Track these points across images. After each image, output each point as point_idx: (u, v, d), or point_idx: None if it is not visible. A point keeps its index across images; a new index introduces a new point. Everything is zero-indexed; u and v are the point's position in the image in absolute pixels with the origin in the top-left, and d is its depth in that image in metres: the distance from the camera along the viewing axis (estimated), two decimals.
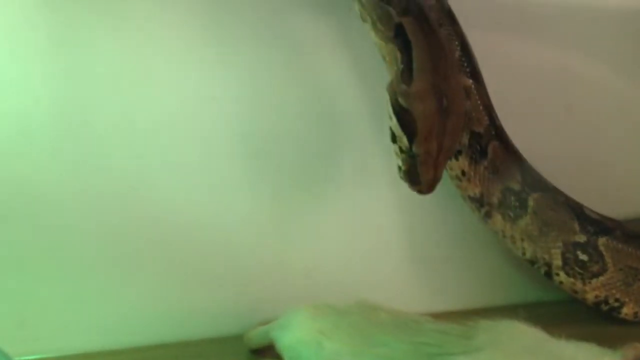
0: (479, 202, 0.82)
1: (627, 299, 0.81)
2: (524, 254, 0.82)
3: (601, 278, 0.80)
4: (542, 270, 0.81)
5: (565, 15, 0.88)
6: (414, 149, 0.68)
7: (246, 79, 0.80)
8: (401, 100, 0.69)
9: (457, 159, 0.82)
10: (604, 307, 0.81)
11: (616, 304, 0.81)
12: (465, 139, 0.81)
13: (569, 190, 0.83)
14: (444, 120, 0.68)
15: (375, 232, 0.79)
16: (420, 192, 0.69)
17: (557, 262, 0.80)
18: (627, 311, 0.81)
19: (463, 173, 0.82)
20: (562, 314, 0.79)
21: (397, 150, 0.70)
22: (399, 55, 0.71)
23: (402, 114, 0.69)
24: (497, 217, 0.82)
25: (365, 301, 0.68)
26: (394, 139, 0.70)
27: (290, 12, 0.80)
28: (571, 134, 0.91)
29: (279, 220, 0.83)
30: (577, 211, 0.80)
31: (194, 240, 0.82)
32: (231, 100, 0.80)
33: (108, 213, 0.78)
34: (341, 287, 0.73)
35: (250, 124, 0.81)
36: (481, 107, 0.80)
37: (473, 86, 0.80)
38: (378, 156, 0.83)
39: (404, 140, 0.68)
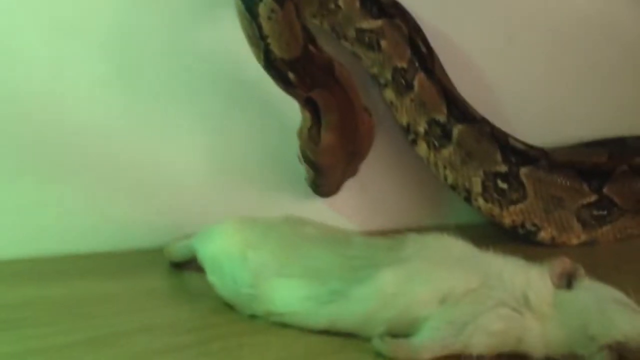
0: (407, 130, 0.84)
1: (545, 224, 0.84)
2: (445, 179, 0.84)
3: (520, 205, 0.83)
4: (462, 196, 0.84)
5: None
6: (317, 182, 0.77)
7: None
8: (310, 155, 0.73)
9: (384, 90, 0.83)
10: (521, 231, 0.84)
11: (533, 229, 0.84)
12: (388, 75, 0.82)
13: (506, 119, 0.87)
14: (349, 164, 0.77)
15: None
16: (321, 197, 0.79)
17: (477, 189, 0.83)
18: (544, 235, 0.84)
19: (392, 103, 0.83)
20: (490, 235, 0.81)
21: (304, 166, 0.76)
22: (308, 115, 0.73)
23: (311, 165, 0.75)
24: (423, 145, 0.84)
25: (292, 216, 0.67)
26: (301, 162, 0.76)
27: None
28: (512, 64, 0.93)
29: (206, 136, 0.82)
30: (502, 142, 0.82)
31: (117, 152, 0.80)
32: None
33: (26, 123, 0.76)
34: (271, 206, 0.72)
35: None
36: (402, 41, 0.81)
37: (387, 25, 0.81)
38: None
39: (311, 174, 0.76)
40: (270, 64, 0.72)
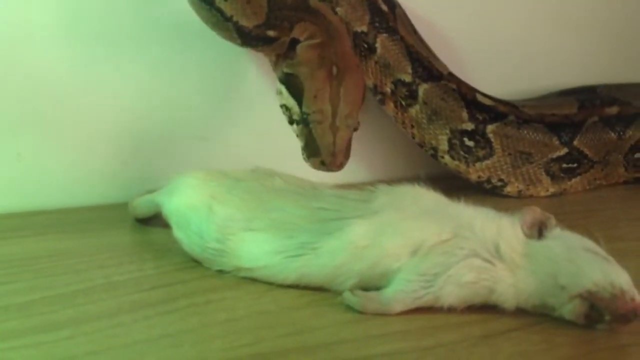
0: (374, 92, 0.83)
1: (512, 179, 0.84)
2: (413, 137, 0.84)
3: (486, 162, 0.82)
4: (429, 153, 0.84)
5: None
6: (304, 109, 0.67)
7: None
8: (286, 69, 0.70)
9: None
10: (487, 186, 0.84)
11: (499, 183, 0.84)
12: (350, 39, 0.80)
13: (476, 70, 0.86)
14: (337, 87, 0.68)
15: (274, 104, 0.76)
16: (323, 164, 0.66)
17: (443, 147, 0.83)
18: (510, 189, 0.84)
19: (357, 65, 0.81)
20: (461, 187, 0.79)
21: (295, 128, 0.69)
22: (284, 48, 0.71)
23: (288, 79, 0.69)
24: (390, 105, 0.83)
25: (260, 168, 0.65)
26: (290, 119, 0.69)
27: None
28: (482, 13, 0.92)
29: (170, 87, 0.80)
30: (469, 99, 0.82)
31: (79, 105, 0.77)
32: None
33: None
34: (237, 158, 0.70)
35: None
36: (359, 5, 0.79)
37: None
38: None
39: (296, 108, 0.68)
40: (247, 37, 0.71)
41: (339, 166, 0.66)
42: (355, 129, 0.69)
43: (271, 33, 0.70)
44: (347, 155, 0.67)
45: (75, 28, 0.76)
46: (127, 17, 0.77)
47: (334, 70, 0.68)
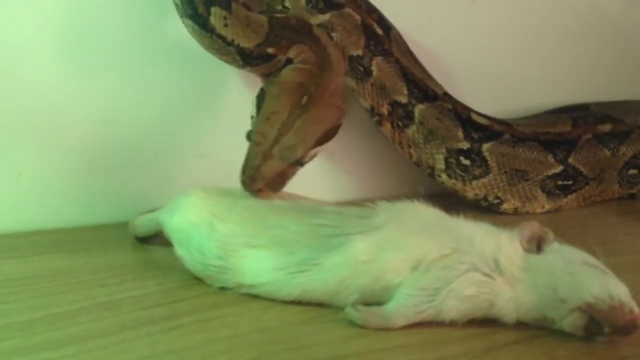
0: (371, 113, 0.84)
1: (508, 197, 0.85)
2: (410, 157, 0.85)
3: (482, 180, 0.83)
4: (426, 172, 0.85)
5: None
6: (252, 126, 0.67)
7: None
8: (264, 84, 0.70)
9: (345, 78, 0.82)
10: (483, 203, 0.85)
11: (496, 201, 0.85)
12: (346, 64, 0.81)
13: (469, 89, 0.88)
14: (296, 117, 0.66)
15: None
16: (244, 184, 0.64)
17: (440, 166, 0.84)
18: (507, 207, 0.85)
19: (353, 89, 0.83)
20: (458, 203, 0.80)
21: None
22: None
23: (260, 94, 0.69)
24: (387, 126, 0.84)
25: None
26: (248, 133, 0.67)
27: None
28: (475, 31, 0.94)
29: (168, 105, 0.80)
30: (464, 118, 0.83)
31: (78, 124, 0.78)
32: None
33: None
34: (236, 176, 0.71)
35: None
36: (354, 30, 0.81)
37: (335, 17, 0.80)
38: None
39: (253, 123, 0.68)
40: (249, 57, 0.71)
41: (257, 192, 0.64)
42: (298, 164, 0.66)
43: (270, 50, 0.71)
44: (272, 186, 0.65)
45: (73, 45, 0.77)
46: (126, 33, 0.78)
47: (304, 100, 0.67)
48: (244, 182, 0.64)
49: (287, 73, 0.70)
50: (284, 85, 0.68)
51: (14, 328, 0.55)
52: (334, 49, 0.73)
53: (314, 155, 0.68)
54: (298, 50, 0.71)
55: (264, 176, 0.63)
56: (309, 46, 0.71)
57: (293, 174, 0.67)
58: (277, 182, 0.65)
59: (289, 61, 0.71)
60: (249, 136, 0.66)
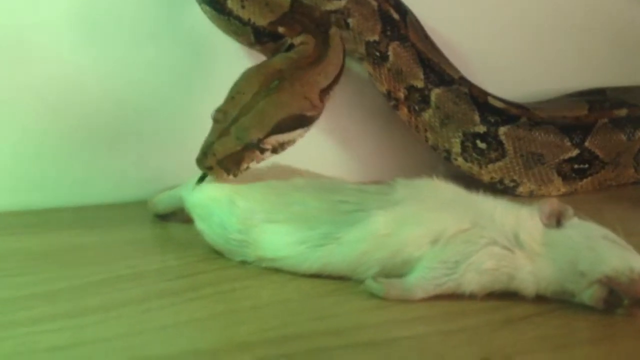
0: (388, 97, 0.85)
1: (524, 180, 0.85)
2: (426, 141, 0.85)
3: (499, 163, 0.84)
4: (442, 155, 0.85)
5: None
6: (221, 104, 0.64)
7: None
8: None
9: (362, 63, 0.84)
10: (499, 187, 0.85)
11: (511, 184, 0.85)
12: (362, 50, 0.82)
13: (487, 74, 0.88)
14: (259, 98, 0.63)
15: None
16: (197, 161, 0.61)
17: (456, 149, 0.84)
18: (522, 190, 0.86)
19: (370, 74, 0.84)
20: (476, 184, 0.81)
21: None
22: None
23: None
24: (404, 110, 0.85)
25: (279, 164, 0.67)
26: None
27: None
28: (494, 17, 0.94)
29: (188, 85, 0.81)
30: (480, 102, 0.83)
31: (98, 105, 0.79)
32: None
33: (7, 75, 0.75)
34: None
35: None
36: (371, 15, 0.81)
37: (352, 3, 0.80)
38: None
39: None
40: (261, 35, 0.71)
41: (208, 169, 0.61)
42: (257, 149, 0.62)
43: (281, 29, 0.71)
44: (224, 166, 0.61)
45: (97, 28, 0.78)
46: (150, 18, 0.79)
47: (274, 83, 0.64)
48: (196, 160, 0.61)
49: (275, 58, 0.68)
50: (260, 69, 0.66)
51: (38, 297, 0.56)
52: (337, 54, 0.71)
53: (280, 145, 0.64)
54: (303, 40, 0.70)
55: (214, 153, 0.61)
56: (315, 40, 0.70)
57: (252, 158, 0.63)
58: (230, 163, 0.62)
59: (291, 47, 0.70)
60: (212, 116, 0.64)
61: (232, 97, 0.64)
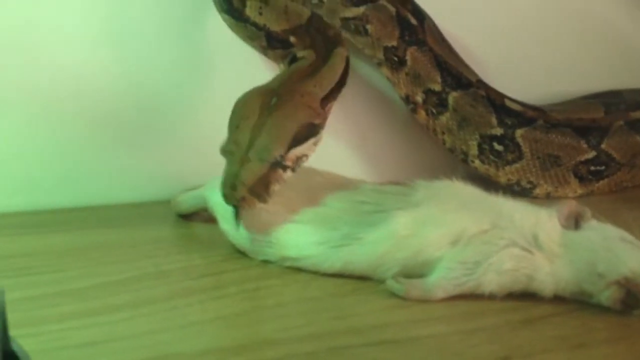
0: (406, 101, 0.86)
1: (541, 181, 0.86)
2: (444, 143, 0.86)
3: (515, 165, 0.85)
4: (459, 158, 0.86)
5: None
6: (226, 138, 0.62)
7: None
8: None
9: (380, 68, 0.85)
10: (516, 188, 0.86)
11: (528, 186, 0.86)
12: (380, 55, 0.84)
13: (499, 73, 0.89)
14: (265, 117, 0.61)
15: None
16: (225, 197, 0.59)
17: (474, 152, 0.85)
18: (539, 191, 0.86)
19: (388, 79, 0.85)
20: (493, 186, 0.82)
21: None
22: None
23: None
24: (422, 113, 0.86)
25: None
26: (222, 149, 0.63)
27: None
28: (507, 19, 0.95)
29: (209, 87, 0.82)
30: (497, 104, 0.84)
31: (122, 107, 0.80)
32: None
33: (30, 75, 0.76)
34: None
35: None
36: (389, 21, 0.82)
37: (370, 10, 0.81)
38: None
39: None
40: (273, 40, 0.72)
41: (241, 201, 0.58)
42: (280, 167, 0.60)
43: (292, 38, 0.71)
44: (255, 193, 0.59)
45: (118, 29, 0.79)
46: (172, 18, 0.80)
47: (273, 101, 0.63)
48: (225, 195, 0.58)
49: (266, 83, 0.66)
50: (254, 92, 0.65)
51: (66, 295, 0.57)
52: (332, 70, 0.69)
53: (300, 160, 0.62)
54: (305, 55, 0.70)
55: (244, 182, 0.58)
56: (315, 57, 0.69)
57: (277, 179, 0.60)
58: (260, 188, 0.59)
59: (294, 59, 0.70)
60: (223, 151, 0.61)
61: (236, 126, 0.62)
